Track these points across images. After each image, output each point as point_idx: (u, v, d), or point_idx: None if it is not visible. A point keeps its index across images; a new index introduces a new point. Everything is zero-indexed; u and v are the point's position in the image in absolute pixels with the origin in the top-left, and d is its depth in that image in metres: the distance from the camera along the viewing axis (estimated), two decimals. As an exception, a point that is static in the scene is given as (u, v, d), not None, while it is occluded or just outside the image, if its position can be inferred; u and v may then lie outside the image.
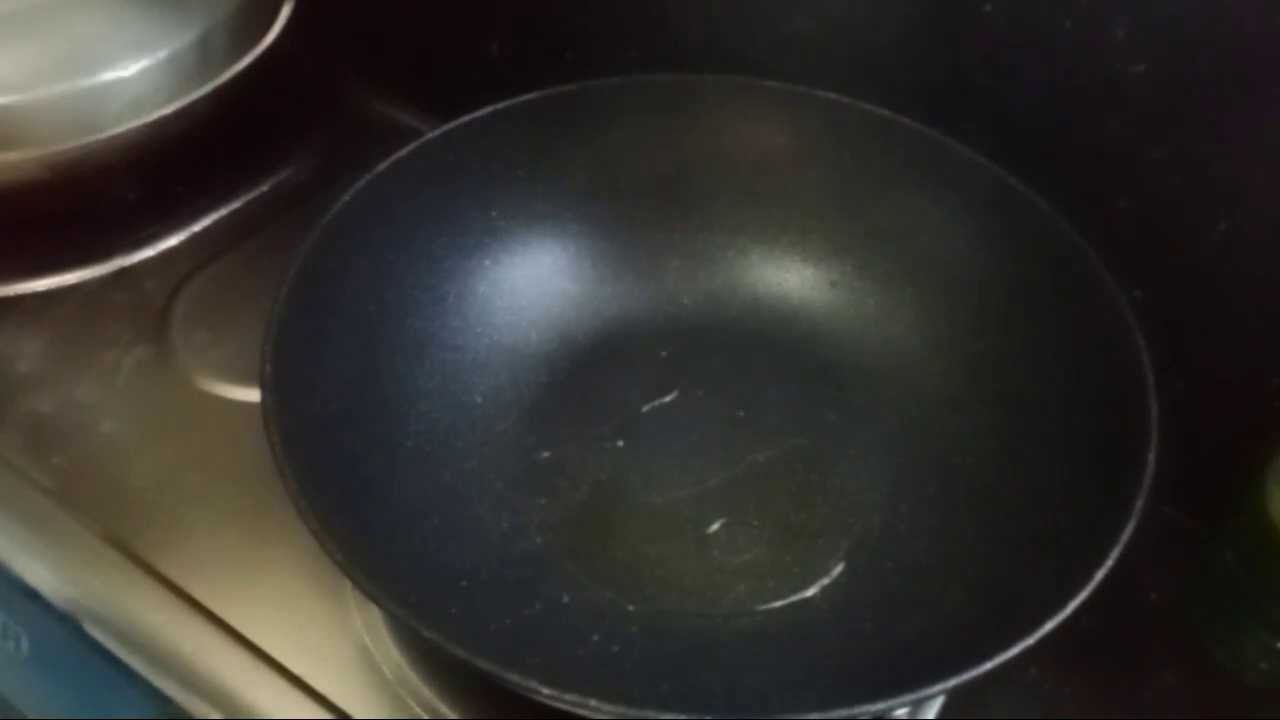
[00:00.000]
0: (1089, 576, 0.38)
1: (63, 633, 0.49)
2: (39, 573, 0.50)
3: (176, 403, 0.55)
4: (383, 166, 0.51)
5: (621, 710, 0.36)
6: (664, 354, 0.55)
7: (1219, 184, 0.49)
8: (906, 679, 0.37)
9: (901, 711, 0.43)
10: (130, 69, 0.58)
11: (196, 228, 0.63)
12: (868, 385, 0.53)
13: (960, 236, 0.52)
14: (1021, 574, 0.43)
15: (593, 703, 0.36)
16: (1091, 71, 0.50)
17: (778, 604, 0.46)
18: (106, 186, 0.60)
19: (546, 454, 0.51)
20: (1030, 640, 0.37)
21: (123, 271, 0.61)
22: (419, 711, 0.45)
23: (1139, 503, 0.40)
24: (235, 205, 0.65)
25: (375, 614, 0.47)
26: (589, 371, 0.54)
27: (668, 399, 0.53)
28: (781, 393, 0.53)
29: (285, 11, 0.65)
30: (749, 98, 0.55)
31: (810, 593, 0.47)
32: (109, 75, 0.57)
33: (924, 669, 0.37)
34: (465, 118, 0.53)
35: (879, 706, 0.37)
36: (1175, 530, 0.51)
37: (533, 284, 0.55)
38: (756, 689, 0.44)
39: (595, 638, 0.44)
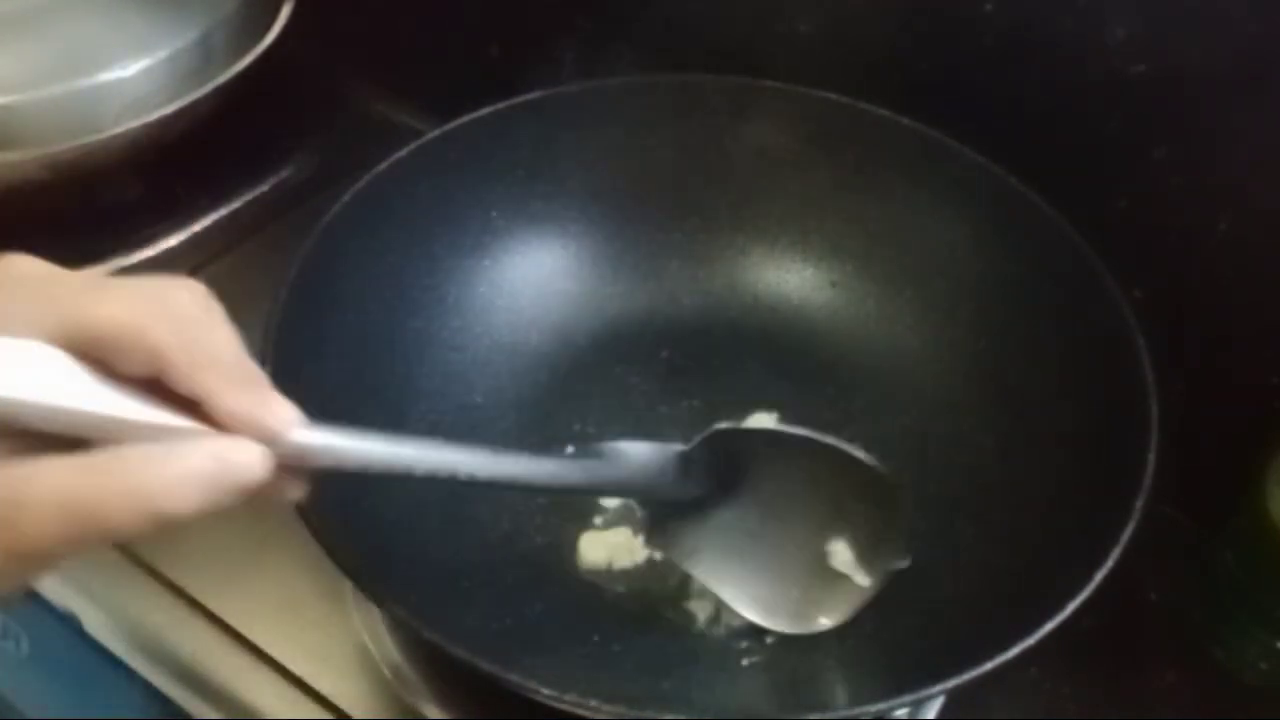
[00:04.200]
0: (1089, 576, 0.38)
1: (63, 633, 0.49)
2: (39, 573, 0.50)
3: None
4: (383, 166, 0.51)
5: (621, 710, 0.36)
6: (664, 354, 0.55)
7: (1219, 184, 0.49)
8: (906, 679, 0.37)
9: (901, 711, 0.43)
10: (130, 69, 0.58)
11: (196, 228, 0.63)
12: (868, 385, 0.53)
13: (960, 236, 0.52)
14: (1021, 574, 0.43)
15: (593, 703, 0.36)
16: (1091, 71, 0.50)
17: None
18: (106, 186, 0.60)
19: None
20: (1030, 640, 0.37)
21: (123, 271, 0.61)
22: (419, 711, 0.45)
23: (1139, 503, 0.40)
24: (235, 205, 0.65)
25: (375, 614, 0.47)
26: (589, 371, 0.54)
27: (668, 399, 0.53)
28: (782, 393, 0.53)
29: (285, 11, 0.65)
30: (749, 98, 0.55)
31: (810, 593, 0.47)
32: (109, 75, 0.57)
33: (924, 669, 0.37)
34: (465, 118, 0.53)
35: (879, 706, 0.37)
36: (1175, 530, 0.51)
37: (533, 284, 0.55)
38: (756, 689, 0.44)
39: (595, 638, 0.44)
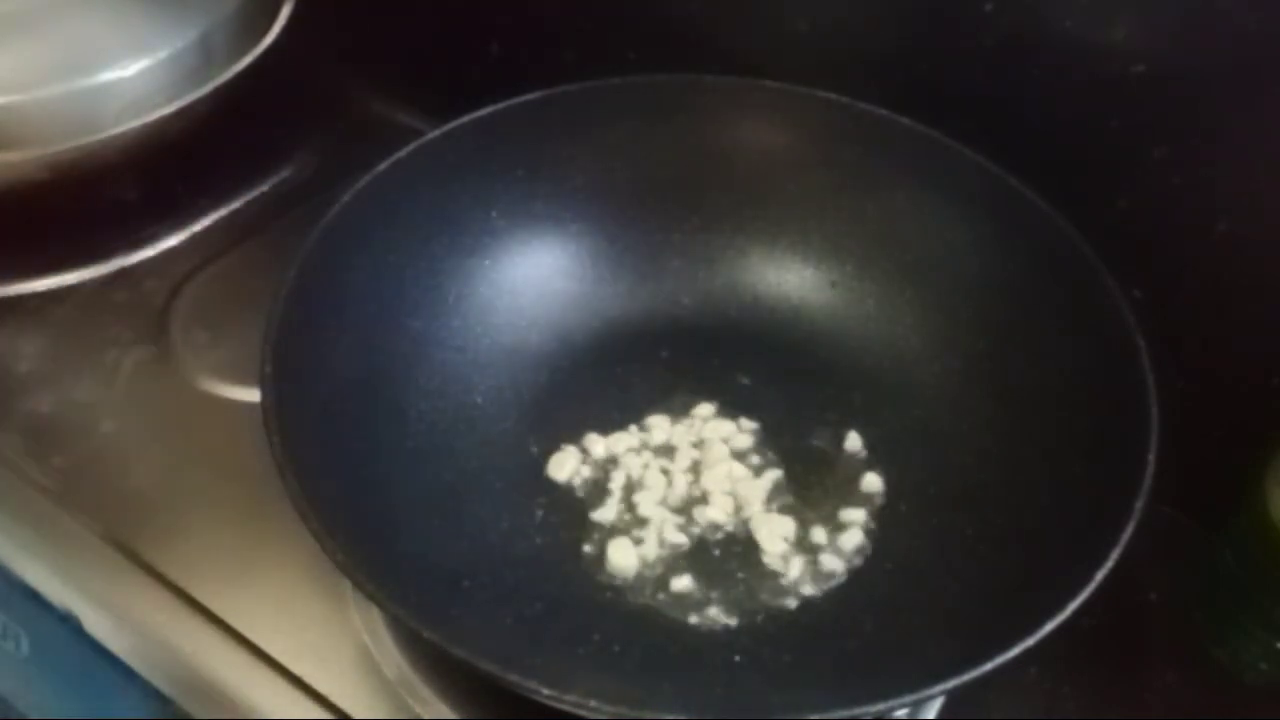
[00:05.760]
0: (1089, 576, 0.38)
1: (63, 633, 0.49)
2: (39, 573, 0.50)
3: (176, 403, 0.55)
4: (383, 166, 0.51)
5: (621, 710, 0.36)
6: (664, 354, 0.55)
7: (1219, 184, 0.49)
8: (906, 679, 0.37)
9: (901, 711, 0.43)
10: (130, 69, 0.58)
11: (196, 228, 0.63)
12: (868, 385, 0.53)
13: (960, 236, 0.52)
14: (1021, 574, 0.43)
15: (593, 703, 0.36)
16: (1091, 71, 0.50)
17: (778, 604, 0.47)
18: (106, 186, 0.60)
19: (546, 454, 0.51)
20: (1030, 640, 0.37)
21: (123, 271, 0.61)
22: (419, 711, 0.45)
23: (1139, 503, 0.40)
24: (235, 205, 0.65)
25: (375, 614, 0.47)
26: (589, 371, 0.54)
27: (668, 399, 0.53)
28: (782, 393, 0.53)
29: (285, 11, 0.65)
30: (749, 98, 0.55)
31: (810, 593, 0.47)
32: (109, 75, 0.57)
33: (924, 669, 0.37)
34: (465, 118, 0.53)
35: (879, 707, 0.37)
36: (1175, 530, 0.51)
37: (533, 284, 0.55)
38: (757, 689, 0.44)
39: (595, 638, 0.44)
